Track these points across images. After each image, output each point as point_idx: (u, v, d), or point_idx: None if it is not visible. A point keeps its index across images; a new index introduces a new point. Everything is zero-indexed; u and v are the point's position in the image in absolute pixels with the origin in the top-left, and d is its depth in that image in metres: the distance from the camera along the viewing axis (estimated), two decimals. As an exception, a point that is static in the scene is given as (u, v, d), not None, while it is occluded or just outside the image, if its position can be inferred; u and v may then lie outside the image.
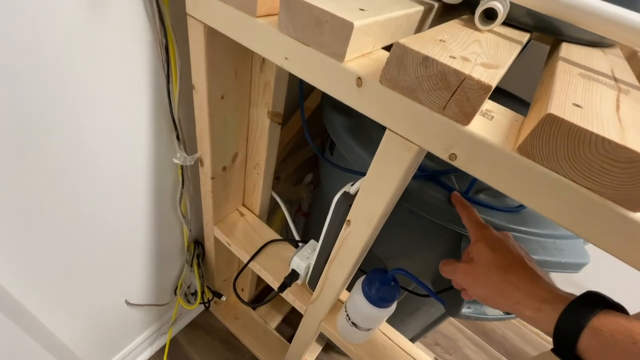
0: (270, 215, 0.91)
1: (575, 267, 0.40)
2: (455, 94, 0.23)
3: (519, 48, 0.33)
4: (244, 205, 0.70)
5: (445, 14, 0.44)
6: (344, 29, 0.26)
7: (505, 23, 0.40)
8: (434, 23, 0.43)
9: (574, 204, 0.22)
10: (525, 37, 0.39)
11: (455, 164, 0.26)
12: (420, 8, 0.37)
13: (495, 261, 0.33)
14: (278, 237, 0.66)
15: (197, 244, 0.75)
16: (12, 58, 0.31)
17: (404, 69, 0.25)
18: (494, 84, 0.22)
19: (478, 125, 0.25)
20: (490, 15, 0.35)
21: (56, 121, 0.38)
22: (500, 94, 0.72)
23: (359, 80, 0.28)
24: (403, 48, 0.24)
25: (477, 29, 0.35)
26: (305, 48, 0.30)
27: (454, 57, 0.24)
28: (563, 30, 0.40)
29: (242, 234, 0.66)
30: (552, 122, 0.21)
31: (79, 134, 0.41)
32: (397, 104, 0.27)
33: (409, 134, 0.28)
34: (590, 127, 0.20)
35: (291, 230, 0.69)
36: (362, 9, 0.29)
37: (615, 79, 0.31)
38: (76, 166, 0.43)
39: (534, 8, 0.32)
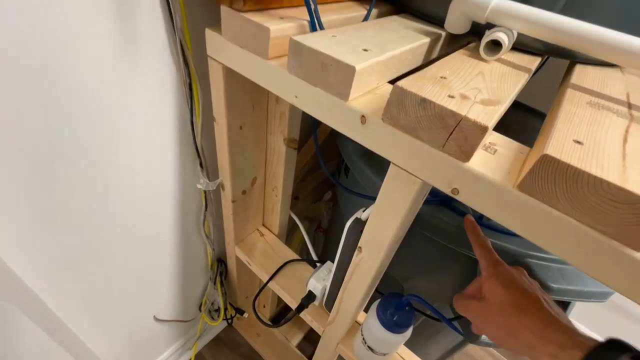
0: (291, 233, 0.93)
1: (600, 296, 0.38)
2: (453, 134, 0.24)
3: (526, 77, 0.34)
4: (263, 225, 0.72)
5: (454, 40, 0.45)
6: (347, 72, 0.28)
7: (515, 48, 0.41)
8: (443, 49, 0.44)
9: (578, 241, 0.22)
10: (535, 62, 0.39)
11: (459, 198, 0.27)
12: (426, 40, 0.38)
13: (509, 301, 0.31)
14: (296, 257, 0.67)
15: (220, 262, 0.78)
16: (62, 97, 0.36)
17: (404, 109, 0.26)
18: (491, 125, 0.23)
19: (479, 161, 0.25)
20: (497, 42, 0.35)
21: (96, 151, 0.42)
22: (521, 109, 0.70)
23: (363, 118, 0.29)
24: (402, 90, 0.25)
25: (483, 59, 0.35)
26: (313, 88, 0.31)
27: (452, 97, 0.25)
28: (576, 54, 0.39)
29: (261, 253, 0.68)
30: (549, 163, 0.21)
31: (115, 162, 0.45)
32: (400, 141, 0.28)
33: (412, 169, 0.28)
34: (587, 168, 0.20)
35: (311, 247, 0.70)
36: (365, 49, 0.31)
37: (629, 105, 0.31)
38: (111, 191, 0.47)
39: (541, 38, 0.32)
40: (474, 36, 0.45)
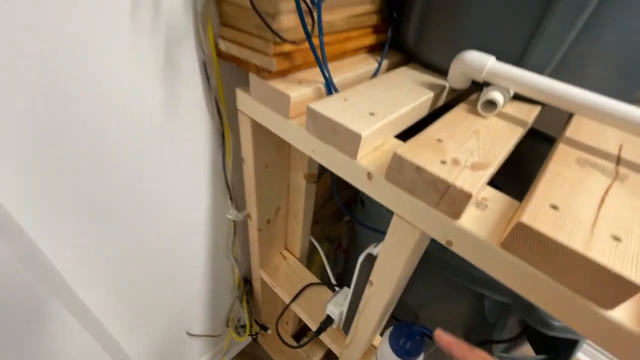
0: (312, 254, 0.98)
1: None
2: (444, 196, 0.28)
3: (521, 132, 0.37)
4: (286, 249, 0.78)
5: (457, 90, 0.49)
6: (354, 137, 0.33)
7: (516, 97, 0.44)
8: (449, 96, 0.48)
9: (553, 296, 0.25)
10: (534, 111, 0.42)
11: (453, 249, 0.30)
12: (430, 95, 0.42)
13: None
14: (316, 280, 0.72)
15: (246, 282, 0.84)
16: (112, 147, 0.43)
17: (402, 173, 0.30)
18: (475, 191, 0.27)
19: (469, 218, 0.29)
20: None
21: (143, 189, 0.50)
22: (534, 137, 0.71)
23: (369, 175, 0.34)
24: (400, 158, 0.30)
25: (481, 115, 0.39)
26: (326, 146, 0.36)
27: (444, 162, 0.29)
28: (575, 103, 0.42)
29: (284, 276, 0.73)
30: (524, 229, 0.24)
31: (158, 196, 0.52)
32: (400, 197, 0.32)
33: (412, 220, 0.32)
34: (556, 236, 0.23)
35: (330, 271, 0.74)
36: (372, 113, 0.36)
37: (618, 160, 0.33)
38: (153, 220, 0.55)
39: (534, 98, 0.36)
40: (477, 86, 0.48)
